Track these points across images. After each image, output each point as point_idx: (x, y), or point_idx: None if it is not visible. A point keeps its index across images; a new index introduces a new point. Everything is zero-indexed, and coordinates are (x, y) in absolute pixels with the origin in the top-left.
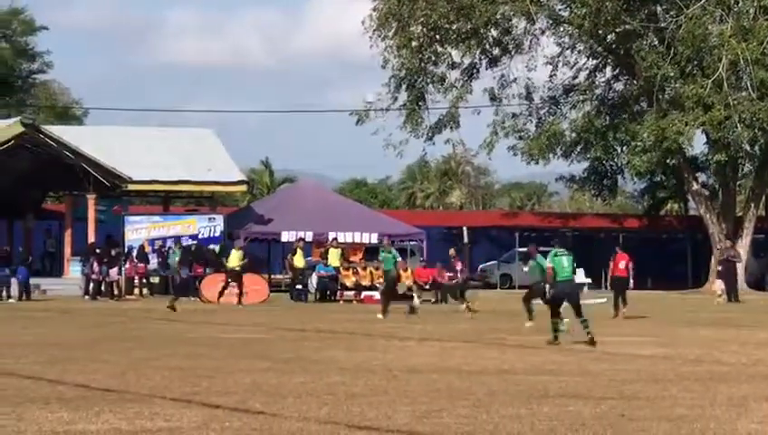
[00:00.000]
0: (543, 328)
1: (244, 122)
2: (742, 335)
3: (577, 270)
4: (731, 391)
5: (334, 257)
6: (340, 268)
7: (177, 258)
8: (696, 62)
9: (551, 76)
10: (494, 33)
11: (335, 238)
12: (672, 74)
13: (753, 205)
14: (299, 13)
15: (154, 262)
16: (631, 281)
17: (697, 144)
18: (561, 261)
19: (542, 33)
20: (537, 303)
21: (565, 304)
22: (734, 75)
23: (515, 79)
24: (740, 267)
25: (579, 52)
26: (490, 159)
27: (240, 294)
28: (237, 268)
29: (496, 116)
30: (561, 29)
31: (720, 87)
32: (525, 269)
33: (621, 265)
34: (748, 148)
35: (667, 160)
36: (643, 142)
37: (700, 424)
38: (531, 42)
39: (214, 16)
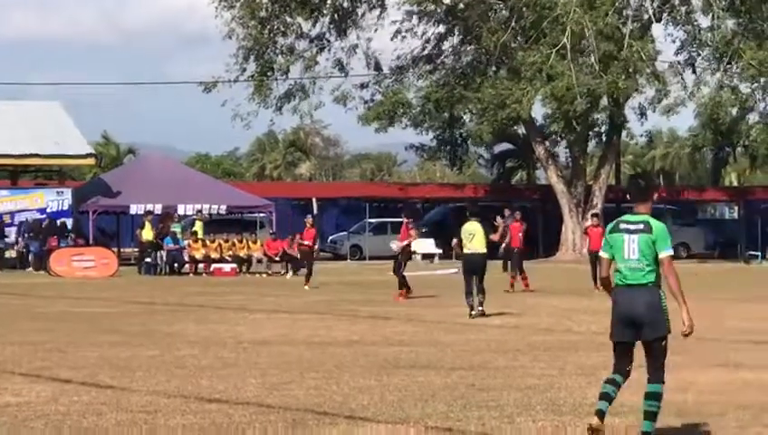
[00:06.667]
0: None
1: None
2: (593, 305)
3: (427, 241)
4: (581, 360)
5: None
6: (189, 241)
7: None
8: (539, 32)
9: (393, 40)
10: (339, 1)
11: (200, 211)
12: (514, 43)
13: (602, 173)
14: None
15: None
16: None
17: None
18: None
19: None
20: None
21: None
22: (578, 45)
23: (356, 46)
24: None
25: (425, 20)
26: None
27: None
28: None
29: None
30: None
31: (564, 57)
32: None
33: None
34: (588, 118)
35: (511, 129)
36: (484, 110)
37: (550, 393)
38: (380, 11)
39: None
